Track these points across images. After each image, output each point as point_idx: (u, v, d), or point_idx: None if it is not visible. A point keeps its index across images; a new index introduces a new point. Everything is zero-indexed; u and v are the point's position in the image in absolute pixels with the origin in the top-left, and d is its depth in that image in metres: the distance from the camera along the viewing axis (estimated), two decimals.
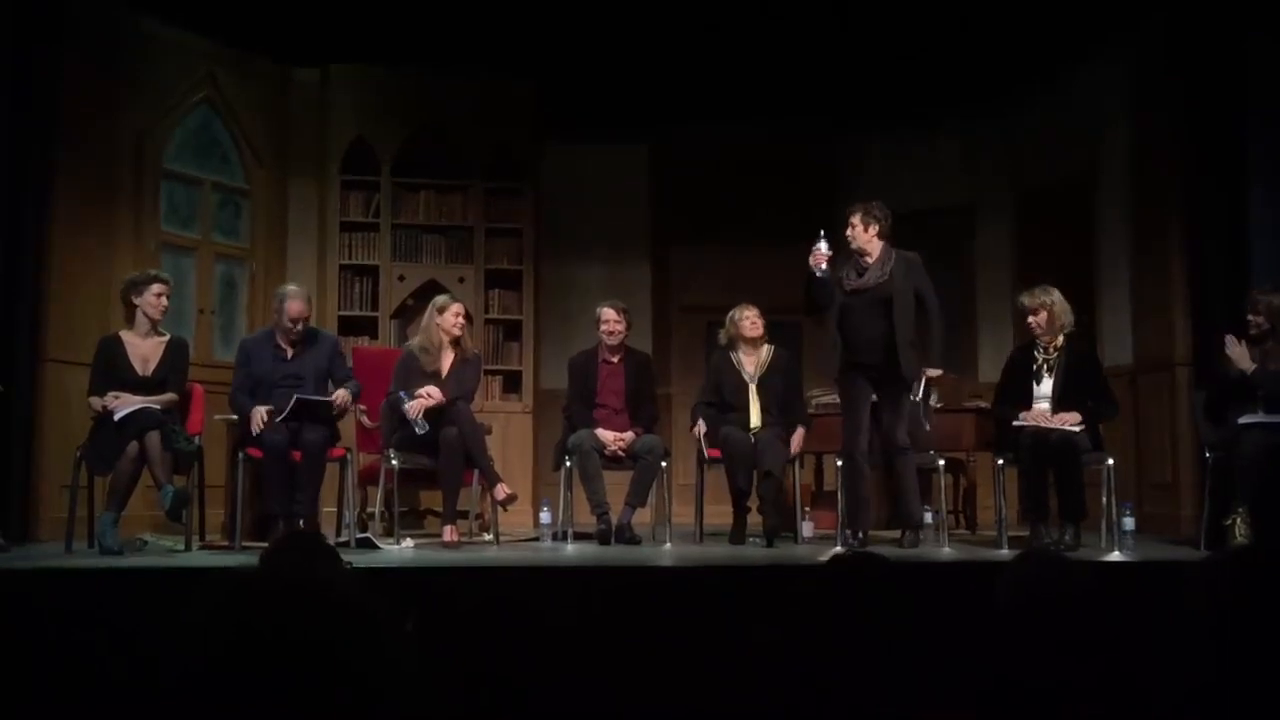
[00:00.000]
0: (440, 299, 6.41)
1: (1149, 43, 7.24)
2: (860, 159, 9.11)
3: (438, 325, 6.20)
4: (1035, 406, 5.86)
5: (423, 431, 5.87)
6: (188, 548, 5.64)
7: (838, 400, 6.97)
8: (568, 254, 8.86)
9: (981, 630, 1.95)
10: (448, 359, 6.20)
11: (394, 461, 5.98)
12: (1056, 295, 5.95)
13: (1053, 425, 5.71)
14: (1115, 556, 5.36)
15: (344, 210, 8.20)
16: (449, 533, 5.92)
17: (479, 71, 8.10)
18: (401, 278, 8.23)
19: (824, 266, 5.70)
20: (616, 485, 6.37)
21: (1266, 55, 6.36)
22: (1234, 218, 6.51)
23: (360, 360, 6.88)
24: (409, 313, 8.16)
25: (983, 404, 7.11)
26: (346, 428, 6.42)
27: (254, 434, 5.74)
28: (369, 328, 8.08)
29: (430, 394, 5.97)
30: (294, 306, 5.98)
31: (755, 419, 6.32)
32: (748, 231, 8.81)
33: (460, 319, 6.27)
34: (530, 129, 8.41)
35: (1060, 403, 5.82)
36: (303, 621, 1.20)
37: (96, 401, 5.59)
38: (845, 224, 5.87)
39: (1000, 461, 5.95)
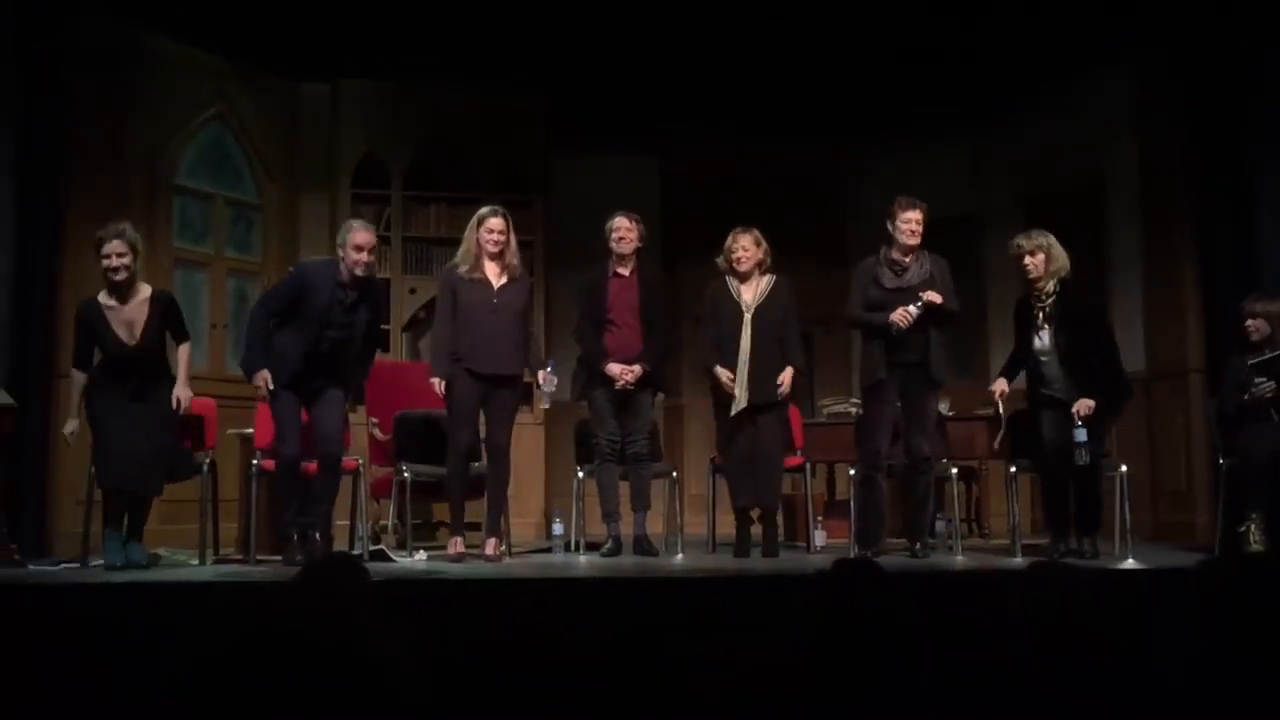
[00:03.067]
0: (482, 211, 5.97)
1: (1154, 51, 7.24)
2: (868, 168, 9.12)
3: (476, 238, 5.87)
4: (1040, 366, 5.72)
5: (547, 406, 6.44)
6: (202, 561, 5.67)
7: (849, 411, 6.95)
8: (577, 266, 8.80)
9: (992, 638, 1.95)
10: (494, 271, 5.88)
11: (406, 474, 6.00)
12: (1052, 239, 5.79)
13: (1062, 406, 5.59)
14: (1130, 564, 5.35)
15: None
16: (454, 545, 5.86)
17: (488, 85, 8.14)
18: (413, 290, 8.26)
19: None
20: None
21: (1270, 63, 6.36)
22: (1242, 223, 6.50)
23: (372, 374, 6.86)
24: (421, 326, 8.18)
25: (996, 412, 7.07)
26: (359, 439, 6.44)
27: (265, 388, 5.52)
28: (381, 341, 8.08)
29: (546, 379, 5.95)
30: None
31: (745, 349, 6.00)
32: None
33: (497, 235, 5.83)
34: (539, 141, 8.45)
35: (1064, 358, 5.64)
36: (316, 635, 1.21)
37: (78, 376, 5.46)
38: (895, 216, 5.80)
39: (1014, 469, 5.93)
